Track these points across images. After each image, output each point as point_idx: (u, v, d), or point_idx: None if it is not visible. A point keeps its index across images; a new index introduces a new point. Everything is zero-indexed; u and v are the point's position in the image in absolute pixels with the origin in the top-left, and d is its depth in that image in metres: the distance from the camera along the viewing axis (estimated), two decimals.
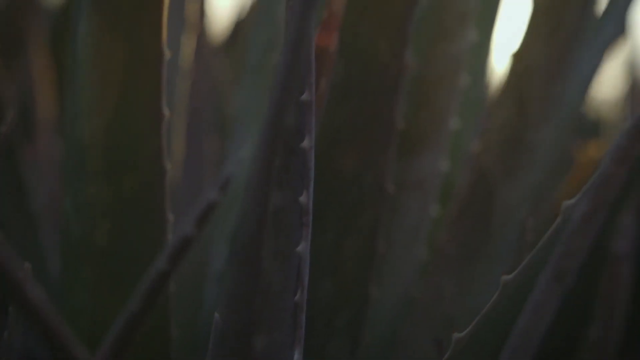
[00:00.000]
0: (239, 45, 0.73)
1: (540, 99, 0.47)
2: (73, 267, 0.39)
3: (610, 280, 0.27)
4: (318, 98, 0.36)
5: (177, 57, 0.56)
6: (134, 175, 0.36)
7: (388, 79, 0.40)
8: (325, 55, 0.36)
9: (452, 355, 0.31)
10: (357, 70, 0.39)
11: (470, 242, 0.48)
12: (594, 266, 0.28)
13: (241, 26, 0.75)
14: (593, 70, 0.50)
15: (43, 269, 0.47)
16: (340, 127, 0.40)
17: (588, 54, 0.49)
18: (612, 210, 0.27)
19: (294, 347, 0.30)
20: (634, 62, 0.82)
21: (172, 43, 0.36)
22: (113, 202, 0.36)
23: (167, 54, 0.35)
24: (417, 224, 0.48)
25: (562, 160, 0.57)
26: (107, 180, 0.36)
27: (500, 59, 0.53)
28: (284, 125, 0.29)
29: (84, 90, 0.35)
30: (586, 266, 0.27)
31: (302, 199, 0.30)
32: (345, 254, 0.41)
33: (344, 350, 0.42)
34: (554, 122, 0.48)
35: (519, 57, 0.46)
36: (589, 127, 0.87)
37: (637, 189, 0.28)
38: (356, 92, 0.39)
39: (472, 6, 0.44)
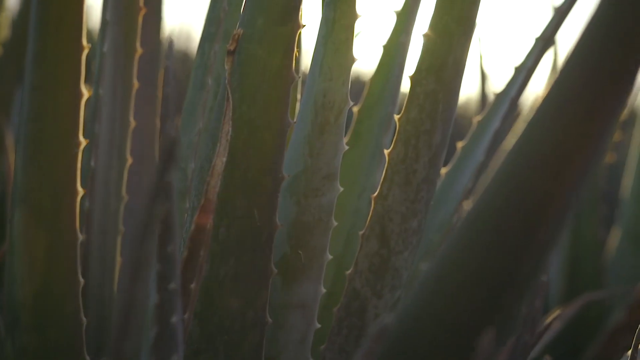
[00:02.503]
0: None
1: (400, 233, 0.58)
2: None
3: None
4: (200, 264, 0.47)
5: None
6: (57, 328, 0.46)
7: (262, 237, 0.51)
8: (204, 231, 0.47)
9: None
10: (236, 232, 0.50)
11: (347, 349, 0.59)
12: None
13: None
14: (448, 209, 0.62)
15: None
16: (225, 275, 0.51)
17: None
18: None
19: None
20: None
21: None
22: (40, 349, 0.46)
23: (80, 237, 0.45)
24: (302, 337, 0.58)
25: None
26: (36, 332, 0.46)
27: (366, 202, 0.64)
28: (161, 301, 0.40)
29: (17, 265, 0.46)
30: None
31: None
32: None
33: None
34: (411, 250, 0.59)
35: (380, 200, 0.58)
36: None
37: None
38: (236, 249, 0.50)
39: (335, 168, 0.55)
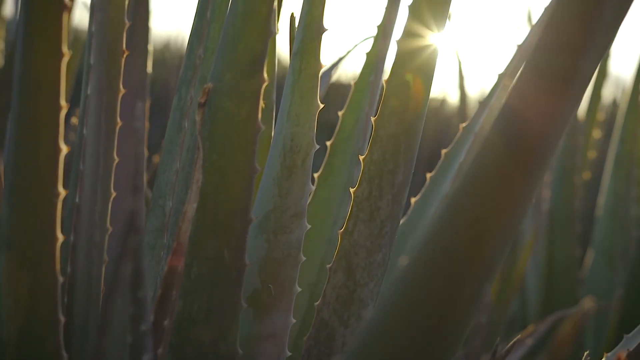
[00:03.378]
0: None
1: (365, 266, 0.62)
2: None
3: None
4: (173, 302, 0.51)
5: None
6: None
7: (232, 275, 0.54)
8: (176, 272, 0.50)
9: None
10: (208, 271, 0.54)
11: None
12: None
13: None
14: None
15: None
16: (198, 311, 0.54)
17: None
18: None
19: None
20: None
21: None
22: None
23: (61, 279, 0.49)
24: None
25: None
26: None
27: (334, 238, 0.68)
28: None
29: (2, 305, 0.49)
30: None
31: None
32: None
33: None
34: (376, 282, 0.62)
35: (346, 235, 0.61)
36: None
37: None
38: (208, 286, 0.54)
39: (303, 207, 0.59)
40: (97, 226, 0.68)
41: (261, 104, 0.52)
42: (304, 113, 0.58)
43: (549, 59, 0.37)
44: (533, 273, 1.18)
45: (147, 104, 0.85)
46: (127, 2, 0.71)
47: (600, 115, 1.19)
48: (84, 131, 0.66)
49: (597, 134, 1.20)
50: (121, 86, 0.69)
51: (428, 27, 0.59)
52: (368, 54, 0.73)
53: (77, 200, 0.65)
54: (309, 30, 0.57)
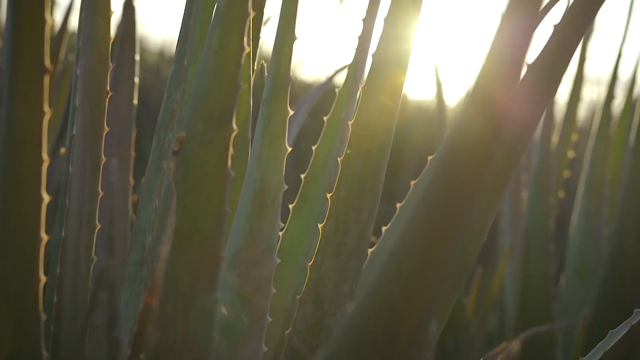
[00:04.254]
0: None
1: (332, 297, 0.66)
2: None
3: None
4: (149, 337, 0.55)
5: None
6: None
7: (204, 310, 0.58)
8: (151, 309, 0.54)
9: None
10: (182, 306, 0.58)
11: None
12: None
13: None
14: None
15: None
16: (174, 343, 0.58)
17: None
18: None
19: None
20: None
21: None
22: None
23: (44, 317, 0.53)
24: None
25: None
26: None
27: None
28: None
29: None
30: None
31: None
32: None
33: None
34: (344, 312, 0.66)
35: (315, 268, 0.65)
36: None
37: None
38: (182, 320, 0.58)
39: (273, 243, 0.63)
40: (83, 258, 0.72)
41: (230, 151, 0.57)
42: (273, 157, 0.62)
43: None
44: (511, 289, 1.22)
45: (134, 134, 0.89)
46: (111, 45, 0.75)
47: (574, 137, 1.23)
48: (70, 168, 0.70)
49: (571, 154, 1.24)
50: (105, 125, 0.73)
51: (393, 75, 0.63)
52: (340, 92, 0.77)
53: (63, 234, 0.69)
54: (276, 81, 0.61)
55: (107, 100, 0.73)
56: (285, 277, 0.70)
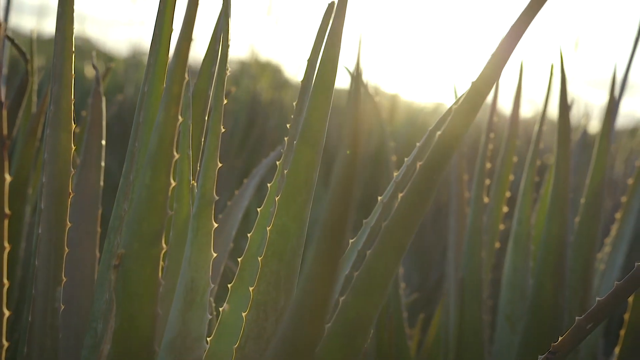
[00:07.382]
0: None
1: None
2: None
3: None
4: None
5: None
6: None
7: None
8: None
9: None
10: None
11: None
12: None
13: None
14: None
15: None
16: None
17: None
18: None
19: None
20: None
21: None
22: None
23: (5, 343, 0.66)
24: None
25: None
26: None
27: None
28: None
29: None
30: None
31: None
32: None
33: None
34: None
35: (240, 350, 0.78)
36: None
37: None
38: None
39: (202, 332, 0.76)
40: (48, 335, 0.85)
41: (161, 265, 0.69)
42: (201, 262, 0.75)
43: None
44: (444, 334, 1.35)
45: (99, 212, 1.02)
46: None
47: (507, 194, 1.36)
48: (36, 262, 0.83)
49: (505, 209, 1.37)
50: (68, 221, 0.86)
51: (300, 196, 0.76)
52: (271, 187, 0.90)
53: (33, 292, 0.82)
54: (203, 200, 0.74)
55: (70, 199, 0.85)
56: (221, 357, 0.83)
